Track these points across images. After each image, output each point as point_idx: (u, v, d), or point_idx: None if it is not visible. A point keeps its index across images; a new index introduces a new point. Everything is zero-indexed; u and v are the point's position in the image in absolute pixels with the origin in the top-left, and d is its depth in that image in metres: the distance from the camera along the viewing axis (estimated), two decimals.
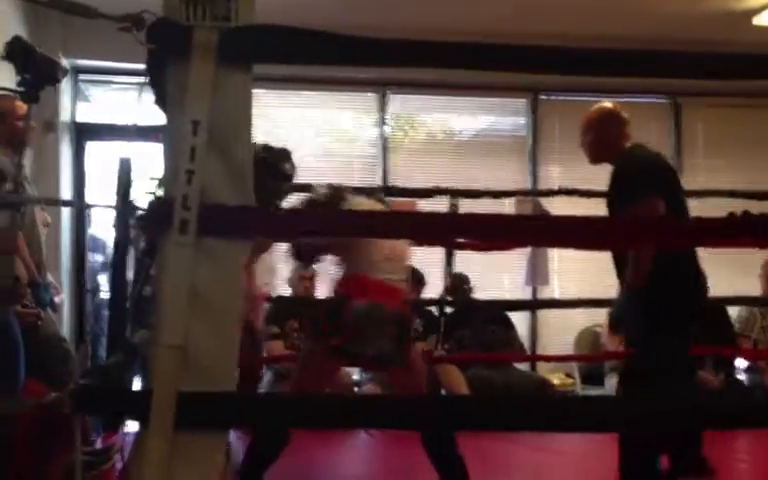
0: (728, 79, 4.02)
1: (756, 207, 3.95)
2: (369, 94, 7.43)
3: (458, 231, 2.47)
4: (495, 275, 7.15)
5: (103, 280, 6.88)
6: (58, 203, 4.77)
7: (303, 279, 6.35)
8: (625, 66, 2.37)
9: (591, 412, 2.07)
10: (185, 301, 1.86)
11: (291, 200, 4.09)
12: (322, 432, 4.71)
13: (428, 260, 6.18)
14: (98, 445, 4.69)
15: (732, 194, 5.83)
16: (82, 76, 7.03)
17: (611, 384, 6.48)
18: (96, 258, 7.08)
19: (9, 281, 3.09)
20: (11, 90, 3.27)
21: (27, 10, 6.00)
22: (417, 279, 6.42)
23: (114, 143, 6.92)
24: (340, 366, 3.56)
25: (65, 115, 6.77)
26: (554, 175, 7.41)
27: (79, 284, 6.78)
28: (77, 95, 7.03)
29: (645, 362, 3.69)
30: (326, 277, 4.13)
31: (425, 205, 5.79)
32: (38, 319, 4.06)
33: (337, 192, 3.70)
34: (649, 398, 3.50)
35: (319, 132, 7.56)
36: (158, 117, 2.04)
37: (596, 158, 4.11)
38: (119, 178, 4.14)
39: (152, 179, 2.38)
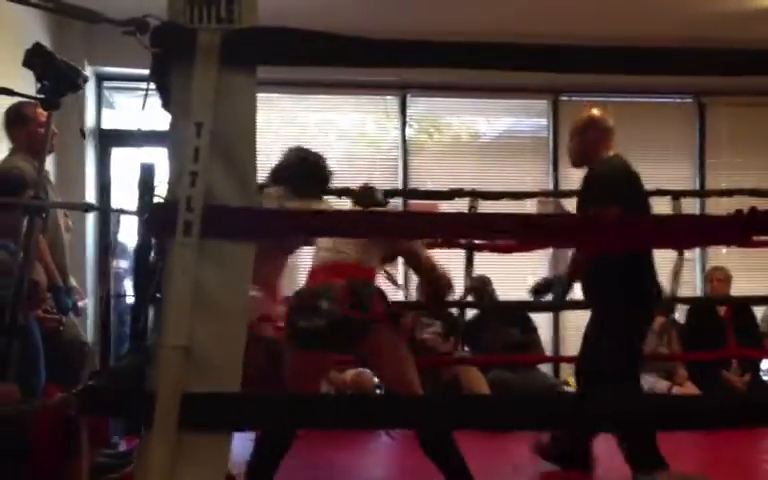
0: (749, 74, 4.00)
1: None
2: (389, 97, 7.44)
3: (464, 231, 2.45)
4: (517, 276, 7.10)
5: (128, 284, 6.94)
6: (76, 207, 4.79)
7: None
8: (646, 64, 2.36)
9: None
10: (189, 302, 1.87)
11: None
12: (342, 434, 4.72)
13: (449, 262, 6.15)
14: (121, 447, 4.75)
15: (755, 193, 5.78)
16: (106, 83, 7.12)
17: None
18: (122, 263, 7.14)
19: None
20: (32, 97, 3.30)
21: (50, 18, 6.08)
22: None
23: (139, 149, 6.98)
24: (318, 358, 3.57)
25: (90, 121, 6.85)
26: (575, 176, 7.36)
27: (103, 288, 6.84)
28: (101, 102, 7.11)
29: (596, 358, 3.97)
30: None
31: (445, 207, 5.80)
32: (59, 324, 4.10)
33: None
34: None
35: (341, 135, 7.59)
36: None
37: (576, 163, 4.36)
38: (140, 183, 4.18)
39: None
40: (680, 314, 6.87)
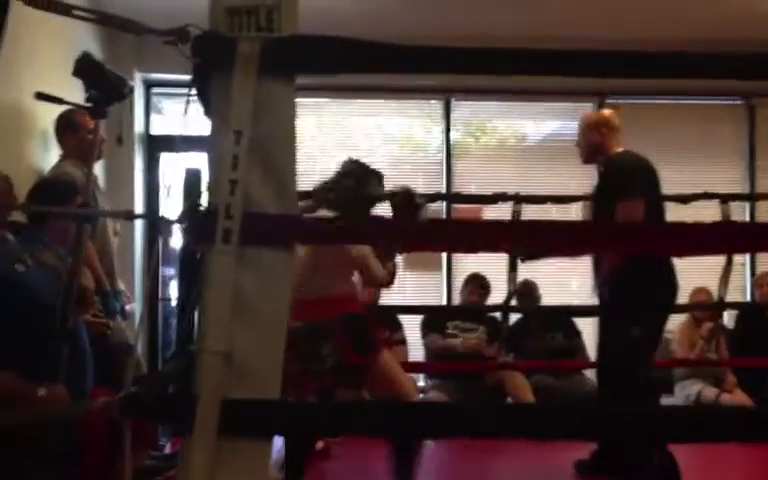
0: None
1: None
2: (433, 102, 7.45)
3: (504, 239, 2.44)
4: (562, 279, 7.06)
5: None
6: (119, 215, 4.87)
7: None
8: (692, 68, 2.33)
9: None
10: (229, 308, 1.89)
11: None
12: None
13: (493, 266, 6.15)
14: (167, 450, 4.81)
15: None
16: (155, 89, 7.23)
17: (683, 392, 6.35)
18: (169, 269, 7.24)
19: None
20: (79, 106, 3.36)
21: (100, 26, 6.19)
22: (482, 285, 6.41)
23: (186, 154, 7.07)
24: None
25: (138, 127, 6.97)
26: None
27: (152, 293, 6.95)
28: (149, 108, 7.22)
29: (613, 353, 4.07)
30: None
31: (489, 211, 5.79)
32: (107, 328, 4.17)
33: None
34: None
35: (386, 139, 7.61)
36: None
37: (586, 160, 4.52)
38: (186, 188, 4.24)
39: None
40: (728, 319, 6.78)
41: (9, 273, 3.01)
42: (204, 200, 2.06)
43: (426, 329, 6.41)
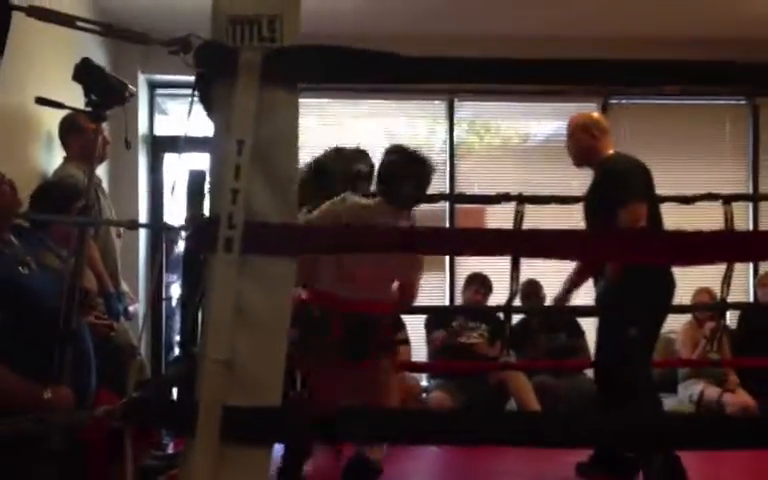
0: None
1: None
2: (437, 102, 7.46)
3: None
4: (564, 279, 7.04)
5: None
6: (122, 224, 4.89)
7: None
8: (700, 75, 2.34)
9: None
10: (231, 317, 1.91)
11: None
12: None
13: (495, 265, 6.16)
14: (169, 450, 4.84)
15: None
16: (159, 90, 7.25)
17: (686, 392, 6.36)
18: (172, 276, 7.26)
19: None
20: (79, 110, 3.38)
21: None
22: (483, 284, 6.43)
23: (192, 155, 7.10)
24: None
25: (143, 128, 6.99)
26: None
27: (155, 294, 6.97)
28: (153, 109, 7.25)
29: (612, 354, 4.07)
30: None
31: (492, 212, 5.80)
32: (110, 330, 4.19)
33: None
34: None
35: (389, 139, 7.61)
36: None
37: (577, 162, 4.51)
38: (190, 190, 4.25)
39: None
40: (731, 319, 6.77)
41: (13, 276, 3.03)
42: (207, 205, 2.07)
43: (431, 327, 6.44)
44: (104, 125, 4.04)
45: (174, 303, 6.92)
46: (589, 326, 6.74)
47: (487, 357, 6.10)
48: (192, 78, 2.07)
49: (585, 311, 5.78)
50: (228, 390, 1.90)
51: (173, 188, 6.88)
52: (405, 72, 2.11)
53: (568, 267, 6.73)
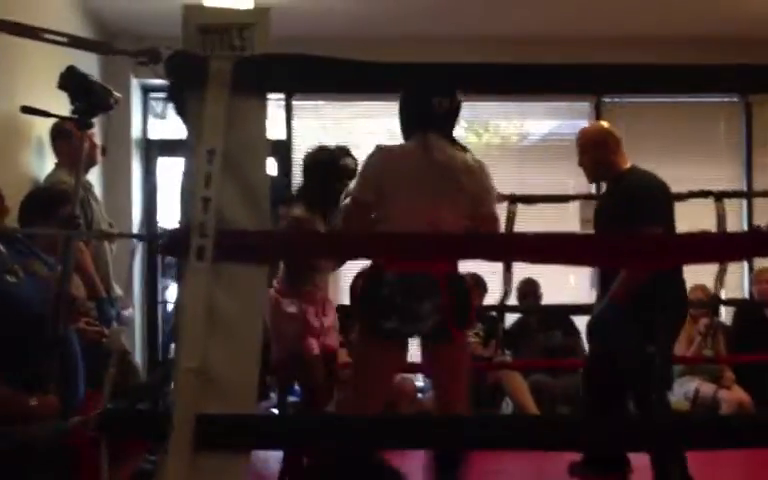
0: None
1: None
2: None
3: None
4: (560, 277, 7.05)
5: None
6: (112, 236, 4.90)
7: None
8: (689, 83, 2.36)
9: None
10: (203, 325, 1.92)
11: None
12: None
13: (489, 265, 6.15)
14: None
15: None
16: (153, 94, 7.26)
17: (681, 389, 6.35)
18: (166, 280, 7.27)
19: None
20: (65, 117, 3.40)
21: (99, 34, 6.22)
22: (479, 285, 6.42)
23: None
24: (395, 353, 3.09)
25: (136, 132, 7.00)
26: None
27: (150, 298, 7.00)
28: (147, 112, 7.26)
29: (626, 369, 3.84)
30: None
31: None
32: (102, 336, 4.19)
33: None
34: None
35: (386, 141, 7.60)
36: None
37: (594, 178, 4.31)
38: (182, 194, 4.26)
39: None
40: (727, 316, 6.78)
41: (1, 286, 3.05)
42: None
43: None
44: (96, 129, 4.06)
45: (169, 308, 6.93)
46: (583, 325, 6.76)
47: (482, 357, 6.09)
48: None
49: (583, 309, 5.77)
50: (202, 398, 1.91)
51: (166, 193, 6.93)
52: (375, 81, 2.11)
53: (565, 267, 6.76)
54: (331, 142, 4.62)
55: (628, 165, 4.08)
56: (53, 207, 3.79)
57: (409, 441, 2.11)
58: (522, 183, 6.41)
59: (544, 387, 6.05)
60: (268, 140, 2.01)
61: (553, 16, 6.49)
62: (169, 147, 7.09)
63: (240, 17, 1.98)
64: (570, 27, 6.59)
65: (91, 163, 4.55)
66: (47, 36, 1.99)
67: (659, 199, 3.90)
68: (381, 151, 3.17)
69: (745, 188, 7.23)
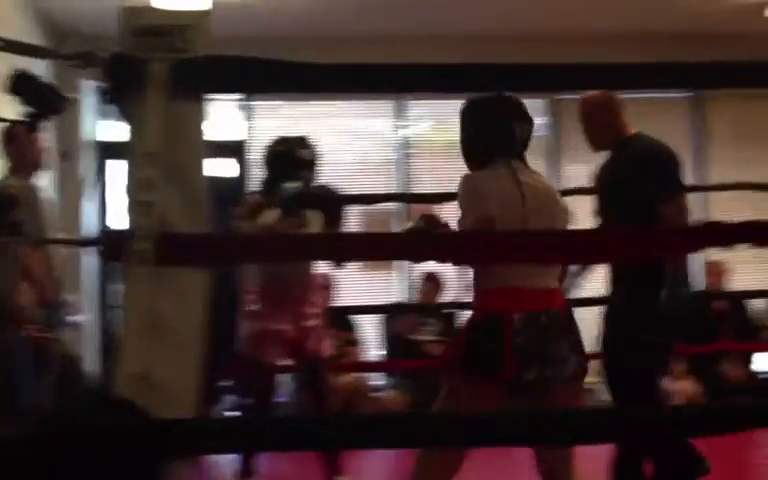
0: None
1: None
2: (389, 102, 7.48)
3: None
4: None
5: None
6: (67, 242, 4.84)
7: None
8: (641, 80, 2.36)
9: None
10: (144, 330, 1.90)
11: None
12: None
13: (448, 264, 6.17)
14: None
15: (756, 187, 5.79)
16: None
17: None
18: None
19: None
20: (15, 121, 3.34)
21: (50, 35, 6.14)
22: (434, 282, 6.46)
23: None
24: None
25: (88, 134, 6.92)
26: (576, 175, 7.32)
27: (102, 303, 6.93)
28: (99, 115, 7.17)
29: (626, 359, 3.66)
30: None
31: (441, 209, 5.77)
32: (50, 342, 4.13)
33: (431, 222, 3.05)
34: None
35: (343, 139, 7.59)
36: None
37: (601, 146, 3.94)
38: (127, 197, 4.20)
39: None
40: None
41: None
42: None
43: (390, 320, 6.51)
44: (48, 133, 4.00)
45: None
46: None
47: (437, 356, 6.10)
48: None
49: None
50: (146, 404, 1.89)
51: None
52: (317, 82, 2.10)
53: None
54: None
55: (634, 131, 3.85)
56: (4, 211, 3.73)
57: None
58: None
59: None
60: (206, 142, 1.99)
61: (509, 13, 6.53)
62: (120, 149, 7.01)
63: (179, 19, 1.95)
64: (530, 24, 6.64)
65: (37, 167, 4.48)
66: None
67: (677, 163, 3.70)
68: (476, 177, 2.85)
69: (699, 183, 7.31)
